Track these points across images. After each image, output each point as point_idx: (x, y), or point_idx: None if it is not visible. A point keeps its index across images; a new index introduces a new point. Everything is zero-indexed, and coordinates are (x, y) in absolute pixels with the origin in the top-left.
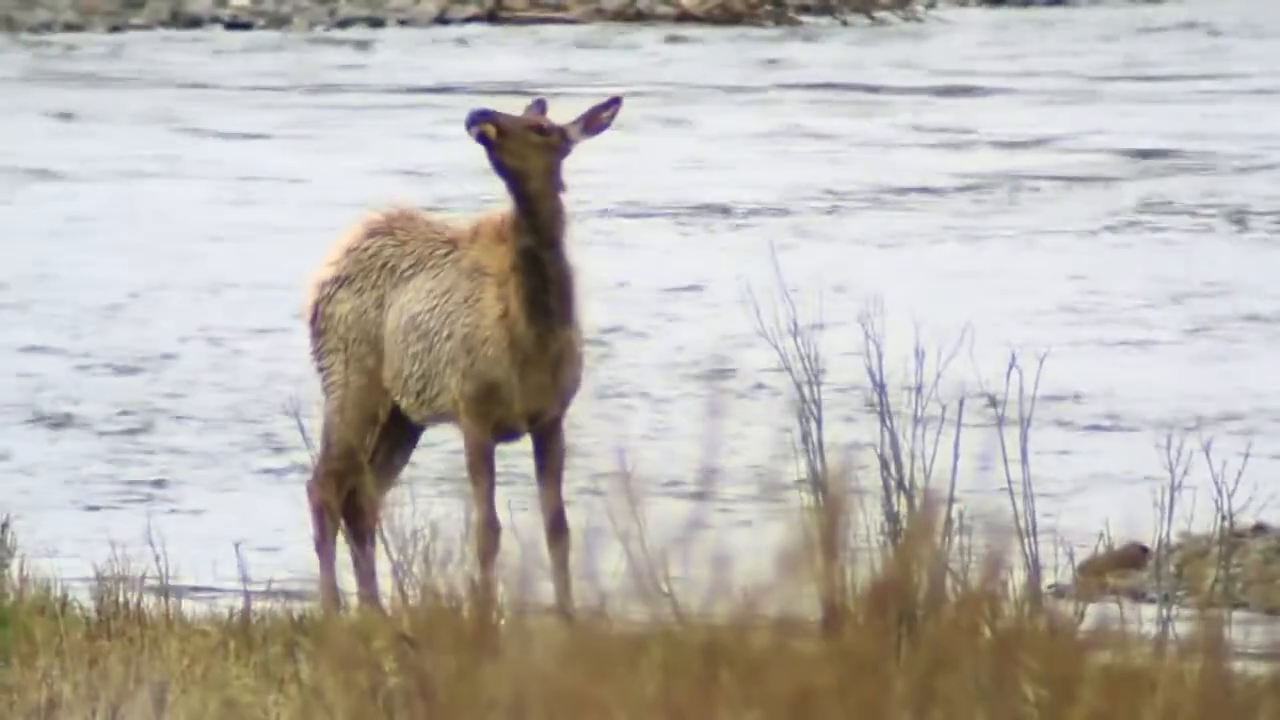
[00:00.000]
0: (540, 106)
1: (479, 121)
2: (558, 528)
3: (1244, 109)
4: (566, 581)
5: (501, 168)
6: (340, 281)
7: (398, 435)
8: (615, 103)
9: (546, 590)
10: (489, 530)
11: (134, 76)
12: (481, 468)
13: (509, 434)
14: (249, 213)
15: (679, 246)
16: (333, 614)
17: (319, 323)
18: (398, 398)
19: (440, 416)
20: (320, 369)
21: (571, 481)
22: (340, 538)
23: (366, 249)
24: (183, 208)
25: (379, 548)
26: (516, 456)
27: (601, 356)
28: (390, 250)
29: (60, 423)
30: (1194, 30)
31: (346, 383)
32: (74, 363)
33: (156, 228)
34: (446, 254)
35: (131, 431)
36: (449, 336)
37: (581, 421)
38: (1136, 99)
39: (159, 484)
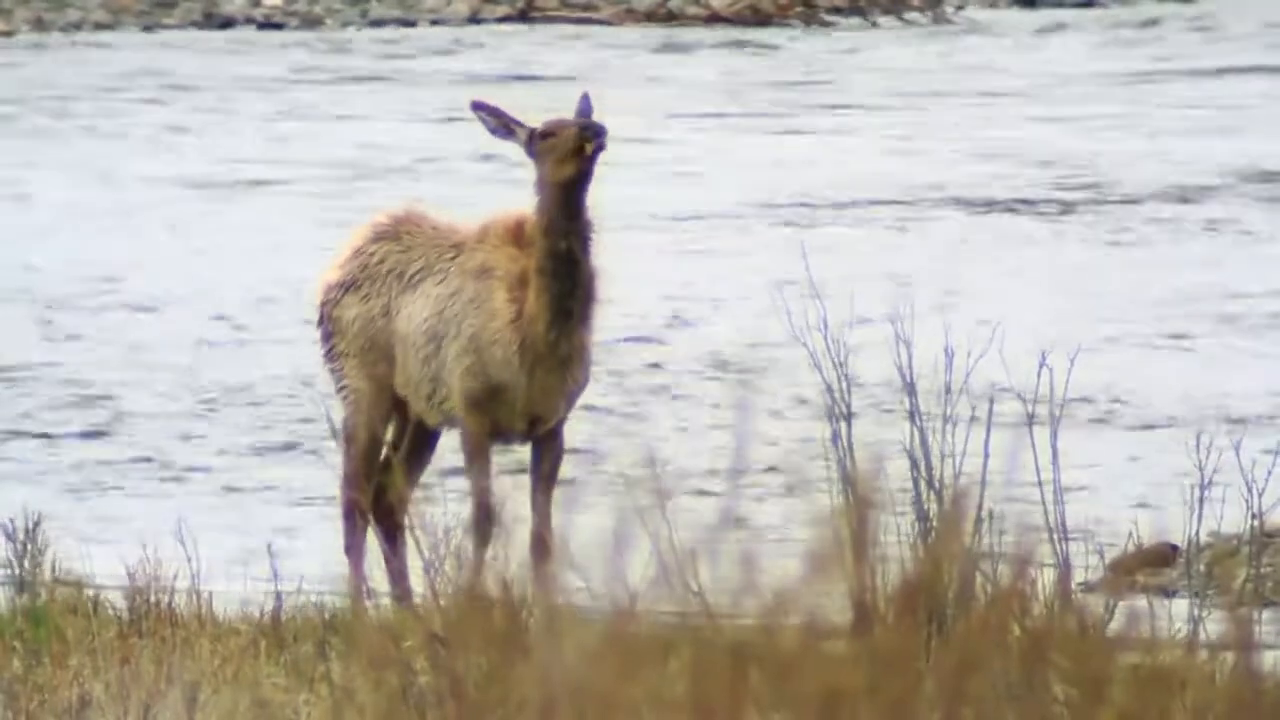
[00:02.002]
0: (585, 101)
1: (604, 135)
2: (542, 542)
3: None
4: (545, 589)
5: (588, 176)
6: (346, 286)
7: (419, 435)
8: (586, 96)
9: (572, 589)
10: (485, 521)
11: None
12: (478, 462)
13: (506, 437)
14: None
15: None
16: (362, 615)
17: (327, 325)
18: (410, 402)
19: (452, 420)
20: (332, 371)
21: (600, 479)
22: (372, 538)
23: (373, 254)
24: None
25: (410, 546)
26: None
27: (635, 354)
28: (396, 256)
29: (97, 421)
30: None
31: (359, 387)
32: (117, 357)
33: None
34: (453, 258)
35: (165, 428)
36: (455, 337)
37: (612, 420)
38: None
39: (191, 482)
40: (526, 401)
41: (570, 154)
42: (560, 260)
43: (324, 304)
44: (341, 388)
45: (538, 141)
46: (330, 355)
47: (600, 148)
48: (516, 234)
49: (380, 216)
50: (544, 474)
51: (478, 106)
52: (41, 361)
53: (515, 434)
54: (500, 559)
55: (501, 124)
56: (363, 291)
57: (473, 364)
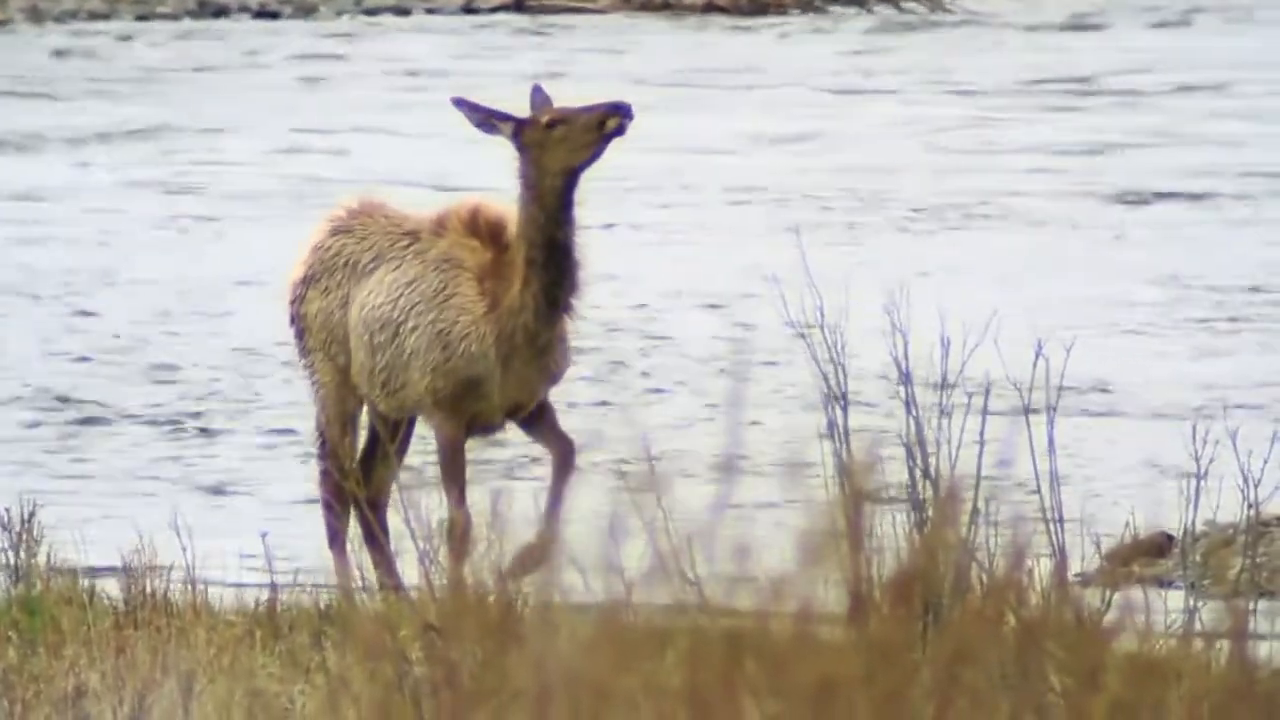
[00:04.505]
0: (539, 92)
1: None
2: (565, 458)
3: None
4: (557, 506)
5: (597, 159)
6: (308, 281)
7: (393, 425)
8: (538, 87)
9: (570, 577)
10: (463, 525)
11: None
12: (454, 464)
13: (486, 428)
14: None
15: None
16: (356, 605)
17: (297, 323)
18: (365, 391)
19: (407, 409)
20: (304, 368)
21: (594, 470)
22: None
23: (329, 248)
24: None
25: (404, 537)
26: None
27: (628, 345)
28: (351, 248)
29: (88, 413)
30: None
31: (327, 381)
32: (111, 353)
33: None
34: (407, 245)
35: (159, 422)
36: (415, 329)
37: (607, 410)
38: None
39: (185, 474)
40: (505, 392)
41: (592, 139)
42: (552, 250)
43: (291, 302)
44: (314, 384)
45: (540, 131)
46: (301, 351)
47: (622, 130)
48: (473, 225)
49: (337, 210)
50: (546, 422)
51: (458, 103)
52: (38, 349)
53: (495, 426)
54: (495, 551)
55: (483, 118)
56: (322, 285)
57: (440, 361)
